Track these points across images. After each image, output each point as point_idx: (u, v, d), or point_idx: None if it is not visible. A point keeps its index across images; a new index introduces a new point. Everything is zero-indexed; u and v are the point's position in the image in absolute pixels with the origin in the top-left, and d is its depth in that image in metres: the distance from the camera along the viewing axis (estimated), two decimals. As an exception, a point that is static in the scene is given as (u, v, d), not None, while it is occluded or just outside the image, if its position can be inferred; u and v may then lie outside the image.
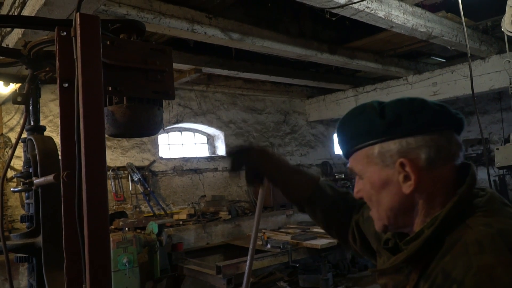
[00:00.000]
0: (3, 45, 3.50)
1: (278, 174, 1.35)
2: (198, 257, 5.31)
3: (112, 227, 4.88)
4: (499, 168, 3.45)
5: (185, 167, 6.51)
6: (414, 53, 6.54)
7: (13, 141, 5.17)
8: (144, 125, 1.15)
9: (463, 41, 4.61)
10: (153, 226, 4.65)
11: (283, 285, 5.52)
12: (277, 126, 7.90)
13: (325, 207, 1.33)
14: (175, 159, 6.51)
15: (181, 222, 5.67)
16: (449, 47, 5.13)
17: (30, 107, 1.48)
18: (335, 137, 8.96)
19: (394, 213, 0.94)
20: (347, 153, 1.01)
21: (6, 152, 5.11)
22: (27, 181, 1.34)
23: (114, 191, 5.65)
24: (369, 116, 0.94)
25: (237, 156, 1.34)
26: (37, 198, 1.32)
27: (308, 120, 8.51)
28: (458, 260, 0.80)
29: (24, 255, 1.39)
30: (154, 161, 6.17)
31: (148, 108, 1.15)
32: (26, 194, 1.46)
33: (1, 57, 1.54)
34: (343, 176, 8.63)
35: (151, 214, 5.81)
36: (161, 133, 6.44)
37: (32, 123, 1.48)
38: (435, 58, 6.84)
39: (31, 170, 1.40)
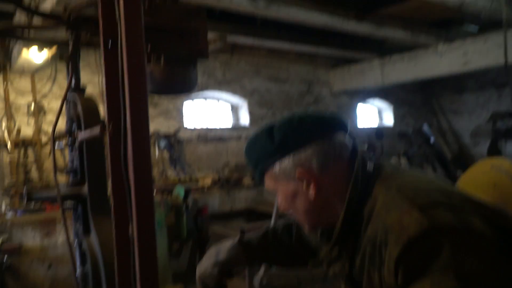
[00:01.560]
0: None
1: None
2: (222, 221, 5.50)
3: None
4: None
5: (209, 136, 6.64)
6: (445, 22, 6.34)
7: (47, 107, 5.38)
8: (180, 83, 1.23)
9: (498, 8, 4.46)
10: (179, 190, 4.83)
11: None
12: (300, 96, 7.89)
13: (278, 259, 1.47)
14: (199, 128, 6.65)
15: (206, 188, 5.86)
16: (482, 15, 4.96)
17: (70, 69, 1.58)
18: (358, 107, 8.89)
19: (312, 215, 1.10)
20: (259, 177, 1.15)
21: (41, 117, 5.32)
22: (71, 137, 1.45)
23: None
24: (261, 141, 1.09)
25: None
26: (81, 152, 1.44)
27: (332, 90, 8.45)
28: (377, 227, 0.92)
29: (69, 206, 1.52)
30: (179, 129, 6.32)
31: (184, 66, 1.22)
32: (70, 149, 1.58)
33: (36, 24, 1.64)
34: (366, 147, 8.62)
35: (177, 179, 6.00)
36: (186, 100, 6.56)
37: (73, 84, 1.59)
38: (467, 26, 6.62)
39: (74, 127, 1.52)
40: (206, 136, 6.61)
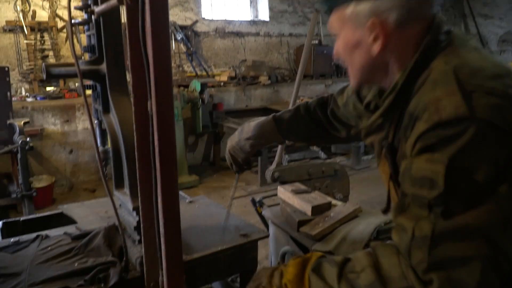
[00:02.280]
0: None
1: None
2: (237, 118, 5.57)
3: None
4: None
5: (227, 29, 6.41)
6: None
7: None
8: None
9: None
10: (196, 84, 4.82)
11: (316, 150, 5.81)
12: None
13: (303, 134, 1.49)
14: (217, 20, 6.38)
15: (222, 84, 5.83)
16: None
17: None
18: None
19: (366, 71, 1.01)
20: (326, 11, 1.03)
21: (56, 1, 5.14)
22: (88, 10, 1.39)
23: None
24: None
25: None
26: (98, 28, 1.39)
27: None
28: (419, 100, 0.87)
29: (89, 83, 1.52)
30: (196, 21, 6.09)
31: None
32: (86, 27, 1.53)
33: None
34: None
35: (194, 74, 5.96)
36: (204, -9, 6.22)
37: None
38: None
39: (89, 1, 1.44)
40: (224, 30, 6.39)
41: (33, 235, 1.51)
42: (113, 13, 1.33)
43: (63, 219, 1.79)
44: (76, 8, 1.55)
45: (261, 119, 1.48)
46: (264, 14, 6.84)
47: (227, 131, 5.37)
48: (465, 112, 0.77)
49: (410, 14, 0.92)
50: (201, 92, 4.80)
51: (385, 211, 1.14)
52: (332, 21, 1.03)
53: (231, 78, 6.00)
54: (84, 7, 1.47)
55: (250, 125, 1.48)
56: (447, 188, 0.77)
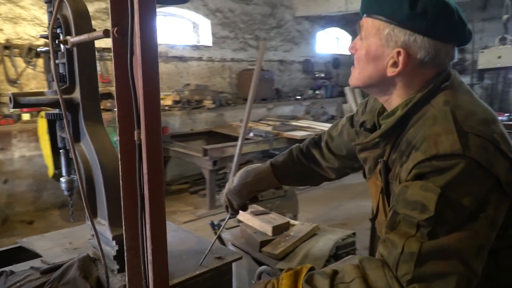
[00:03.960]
0: None
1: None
2: (182, 141, 5.56)
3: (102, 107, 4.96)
4: (480, 70, 3.69)
5: (170, 54, 6.43)
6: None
7: None
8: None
9: None
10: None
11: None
12: (263, 18, 7.71)
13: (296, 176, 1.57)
14: (160, 44, 6.38)
15: (167, 108, 5.80)
16: None
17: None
18: (318, 35, 8.85)
19: (371, 82, 1.11)
20: (365, 11, 1.10)
21: None
22: (61, 40, 1.38)
23: (100, 73, 5.61)
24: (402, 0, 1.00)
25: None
26: (70, 58, 1.38)
27: (295, 15, 8.31)
28: (418, 131, 0.99)
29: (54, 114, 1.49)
30: (138, 45, 6.04)
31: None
32: (53, 56, 1.51)
33: None
34: (322, 75, 8.77)
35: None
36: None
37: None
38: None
39: (58, 31, 1.44)
40: (167, 54, 6.39)
41: (-4, 271, 1.43)
42: (89, 43, 1.34)
43: (22, 254, 1.70)
44: (42, 36, 1.53)
45: (258, 165, 1.54)
46: (206, 40, 6.96)
47: (173, 154, 5.33)
48: (459, 150, 0.90)
49: (433, 61, 1.02)
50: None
51: (373, 219, 1.25)
52: (368, 23, 1.08)
53: (175, 102, 6.00)
54: (55, 37, 1.46)
55: (248, 171, 1.51)
56: (436, 213, 0.89)
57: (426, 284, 0.89)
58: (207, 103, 6.16)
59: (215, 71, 6.91)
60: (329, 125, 1.59)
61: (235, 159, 3.16)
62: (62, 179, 1.58)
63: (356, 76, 1.14)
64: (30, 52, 4.57)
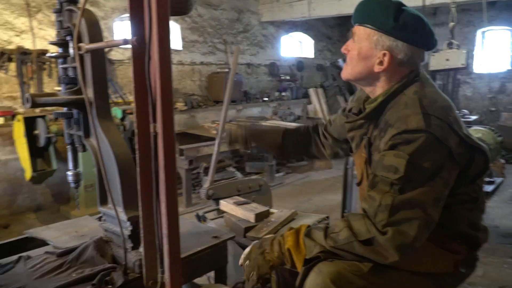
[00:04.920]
0: None
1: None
2: (156, 143, 5.65)
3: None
4: (432, 71, 4.12)
5: (140, 58, 6.51)
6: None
7: None
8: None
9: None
10: (116, 112, 4.85)
11: (232, 170, 6.15)
12: (231, 23, 7.93)
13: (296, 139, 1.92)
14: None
15: (139, 111, 5.88)
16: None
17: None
18: (283, 39, 9.17)
19: (361, 76, 1.44)
20: (358, 21, 1.41)
21: None
22: (76, 46, 1.53)
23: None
24: (388, 13, 1.33)
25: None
26: (82, 62, 1.54)
27: (261, 20, 8.59)
28: (393, 114, 1.32)
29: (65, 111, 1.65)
30: (111, 49, 6.11)
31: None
32: (61, 60, 1.66)
33: None
34: (288, 78, 9.09)
35: (110, 101, 5.91)
36: (115, 21, 6.28)
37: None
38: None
39: (68, 38, 1.60)
40: (137, 59, 6.46)
41: (14, 257, 1.57)
42: (99, 50, 1.52)
43: (29, 244, 1.83)
44: (51, 43, 1.68)
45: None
46: (176, 44, 7.10)
47: (147, 156, 5.43)
48: (422, 126, 1.21)
49: (409, 61, 1.37)
50: (122, 119, 4.85)
51: (359, 183, 1.56)
52: (360, 30, 1.39)
53: (147, 105, 6.09)
54: (63, 44, 1.62)
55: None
56: (405, 174, 1.19)
57: (396, 227, 1.18)
58: (179, 105, 6.31)
59: (186, 74, 7.06)
60: (297, 124, 2.03)
61: (214, 156, 3.39)
62: (69, 172, 1.73)
63: (349, 72, 1.45)
64: (2, 56, 4.56)
